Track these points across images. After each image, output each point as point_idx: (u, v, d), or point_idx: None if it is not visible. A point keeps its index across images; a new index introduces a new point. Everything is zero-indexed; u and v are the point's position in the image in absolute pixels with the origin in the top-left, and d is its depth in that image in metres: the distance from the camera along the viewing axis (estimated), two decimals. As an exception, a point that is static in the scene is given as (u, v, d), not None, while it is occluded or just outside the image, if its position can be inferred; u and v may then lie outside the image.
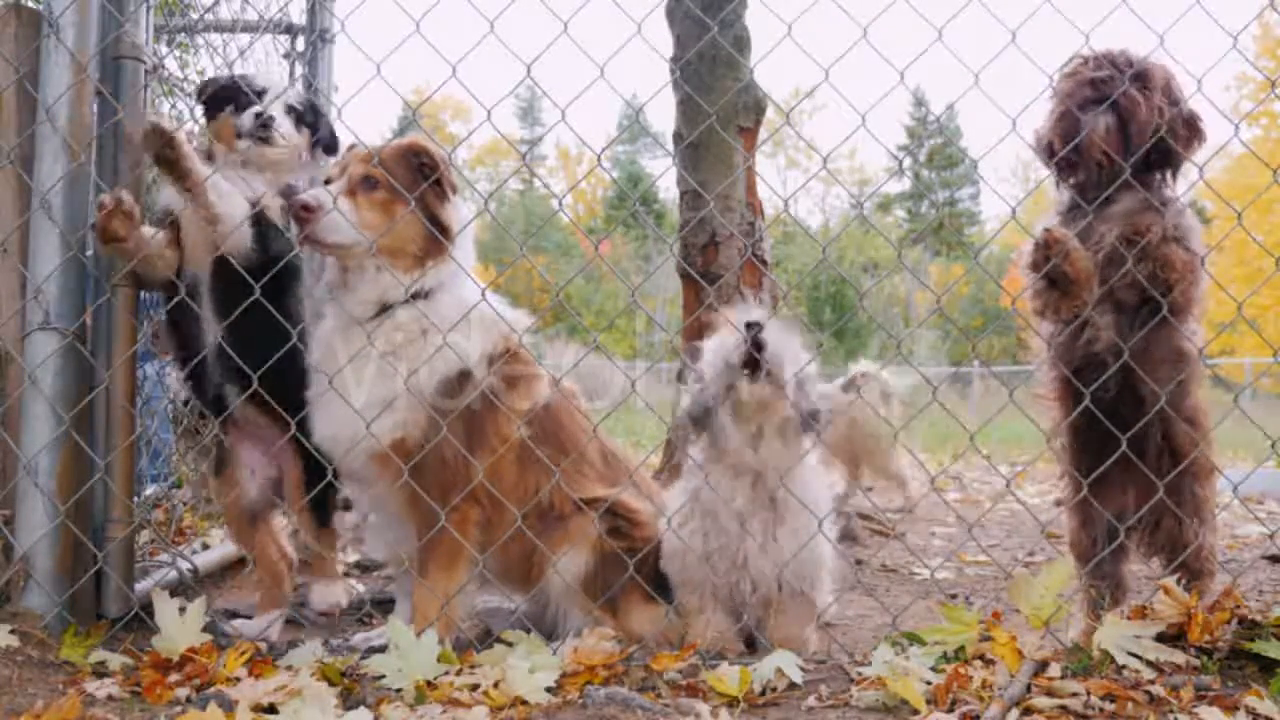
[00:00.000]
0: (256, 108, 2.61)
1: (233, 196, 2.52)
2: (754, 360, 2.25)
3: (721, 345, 2.36)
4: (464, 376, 2.37)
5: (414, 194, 2.36)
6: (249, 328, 2.46)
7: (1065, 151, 2.49)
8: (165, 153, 2.40)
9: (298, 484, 2.71)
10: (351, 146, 2.53)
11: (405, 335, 2.35)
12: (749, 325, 2.26)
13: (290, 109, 2.68)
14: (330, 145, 2.78)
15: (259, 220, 2.56)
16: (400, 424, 2.33)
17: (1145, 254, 2.34)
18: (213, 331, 2.58)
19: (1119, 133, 2.42)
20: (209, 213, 2.49)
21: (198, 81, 3.26)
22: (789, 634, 2.38)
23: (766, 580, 2.36)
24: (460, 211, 2.48)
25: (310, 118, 2.74)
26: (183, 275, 2.61)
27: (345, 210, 2.30)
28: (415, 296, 2.38)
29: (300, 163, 2.71)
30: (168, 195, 2.59)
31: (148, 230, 2.52)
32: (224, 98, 2.67)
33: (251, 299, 2.38)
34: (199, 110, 2.79)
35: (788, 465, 2.35)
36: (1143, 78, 2.43)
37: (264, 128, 2.59)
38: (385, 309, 2.37)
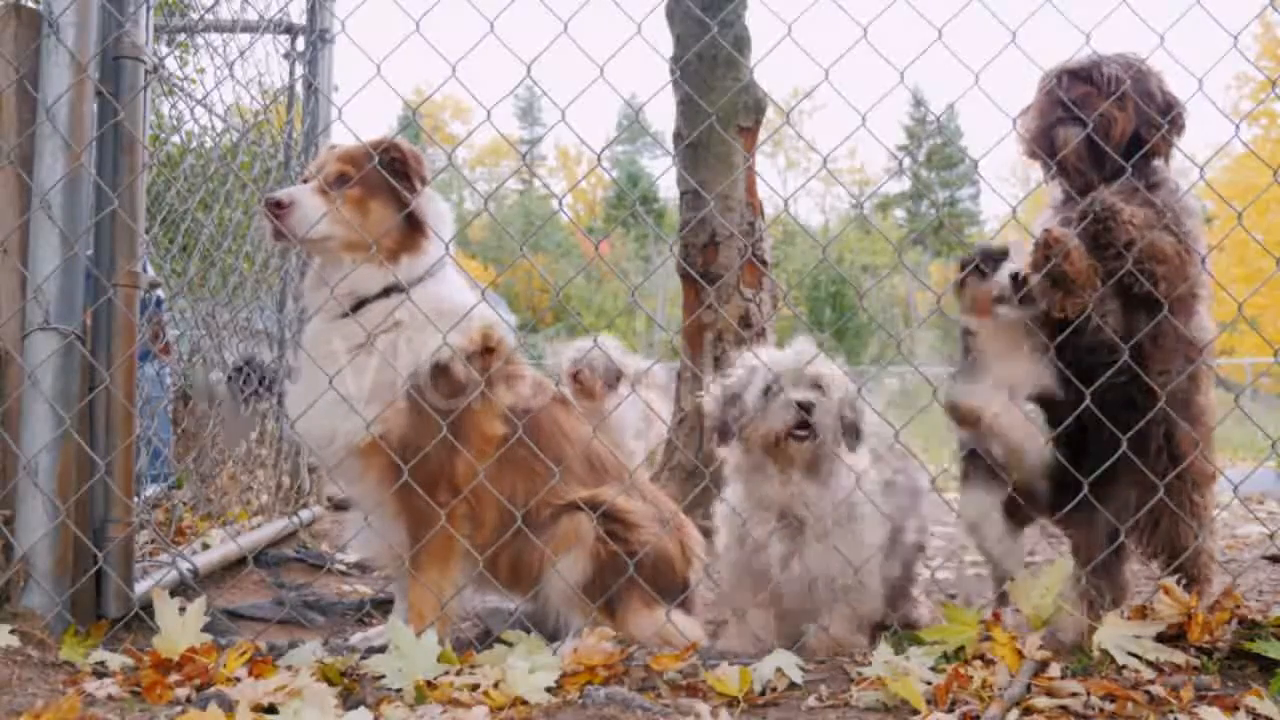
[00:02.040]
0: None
1: None
2: (804, 424, 2.32)
3: (758, 374, 2.39)
4: (440, 371, 2.38)
5: (386, 190, 2.41)
6: None
7: (1039, 156, 2.59)
8: None
9: None
10: (332, 147, 2.57)
11: (379, 328, 2.38)
12: (800, 405, 2.31)
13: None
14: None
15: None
16: (379, 419, 2.34)
17: (1116, 239, 2.35)
18: None
19: (1091, 145, 2.45)
20: None
21: (197, 81, 3.26)
22: (835, 637, 2.40)
23: (798, 591, 2.39)
24: (435, 207, 2.52)
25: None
26: None
27: (316, 205, 2.36)
28: (389, 291, 2.41)
29: None
30: None
31: None
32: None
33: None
34: (200, 111, 2.79)
35: (814, 491, 2.39)
36: (1114, 89, 2.45)
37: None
38: (361, 303, 2.42)
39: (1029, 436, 2.41)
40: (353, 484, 2.50)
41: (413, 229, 2.45)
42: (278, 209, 2.35)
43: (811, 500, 2.38)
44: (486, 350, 2.48)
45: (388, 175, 2.42)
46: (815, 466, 2.39)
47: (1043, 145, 2.57)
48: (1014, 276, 2.43)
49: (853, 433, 2.40)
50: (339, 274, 2.42)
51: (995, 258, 2.49)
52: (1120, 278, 2.35)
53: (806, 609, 2.42)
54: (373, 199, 2.42)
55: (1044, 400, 2.45)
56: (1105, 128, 2.44)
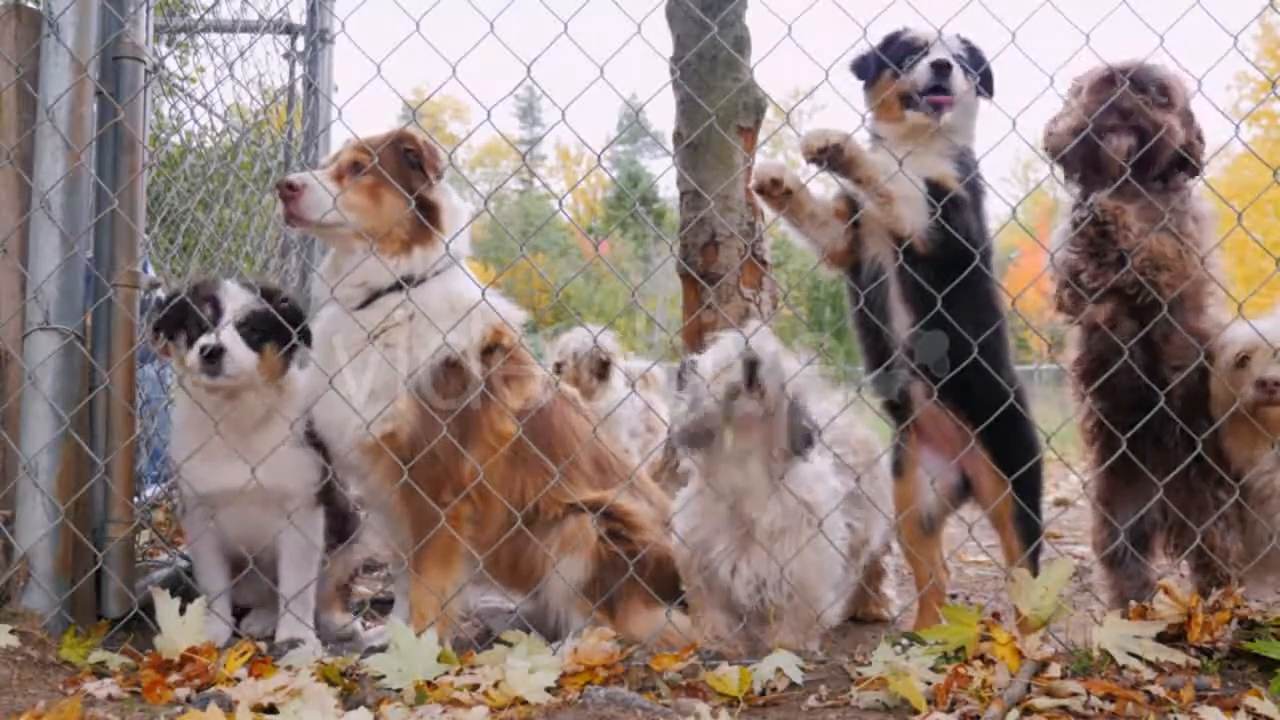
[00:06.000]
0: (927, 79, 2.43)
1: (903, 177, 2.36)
2: (752, 380, 2.25)
3: (716, 362, 2.35)
4: (452, 367, 2.38)
5: (400, 180, 2.42)
6: (939, 319, 2.33)
7: (1071, 159, 2.56)
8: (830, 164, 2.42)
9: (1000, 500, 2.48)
10: (348, 140, 2.57)
11: (391, 321, 2.38)
12: (748, 362, 2.25)
13: (957, 58, 2.47)
14: (989, 85, 2.56)
15: (937, 194, 2.40)
16: (391, 415, 2.34)
17: (1118, 242, 2.35)
18: (901, 325, 2.51)
19: (1138, 150, 2.42)
20: (882, 192, 2.38)
21: (197, 81, 3.25)
22: (784, 641, 2.37)
23: (750, 593, 2.37)
24: (450, 199, 2.52)
25: (973, 59, 2.52)
26: (866, 264, 2.56)
27: (329, 191, 2.37)
28: (402, 284, 2.41)
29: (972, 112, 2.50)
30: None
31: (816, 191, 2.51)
32: (890, 56, 2.53)
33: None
34: (200, 111, 2.78)
35: (769, 490, 2.35)
36: (1167, 99, 2.43)
37: (936, 104, 2.43)
38: (374, 296, 2.41)
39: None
40: (360, 480, 2.50)
41: (426, 221, 2.45)
42: (290, 190, 2.37)
43: (763, 499, 2.33)
44: (500, 346, 2.48)
45: (401, 165, 2.43)
46: (767, 459, 2.34)
47: (1081, 149, 2.49)
48: (935, 65, 2.44)
49: (805, 438, 2.33)
50: (350, 264, 2.43)
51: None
52: (1125, 278, 2.35)
53: (758, 611, 2.39)
54: (386, 188, 2.42)
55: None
56: (1162, 139, 2.38)
